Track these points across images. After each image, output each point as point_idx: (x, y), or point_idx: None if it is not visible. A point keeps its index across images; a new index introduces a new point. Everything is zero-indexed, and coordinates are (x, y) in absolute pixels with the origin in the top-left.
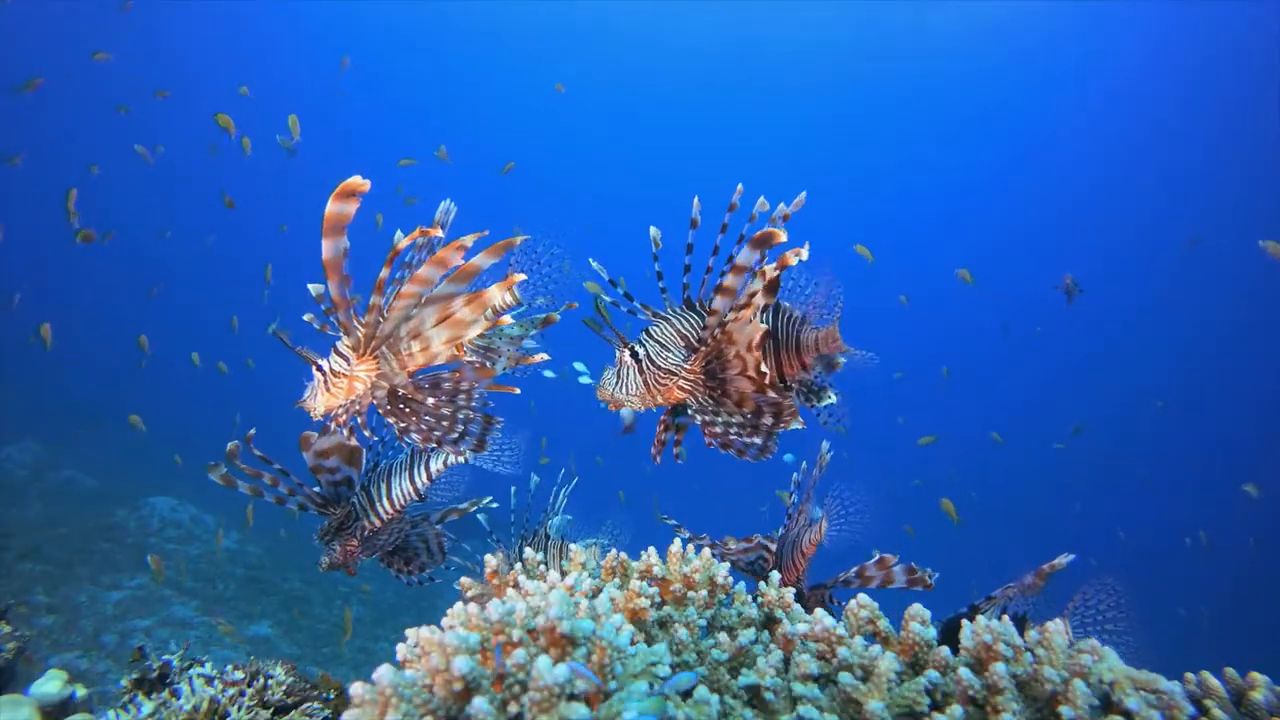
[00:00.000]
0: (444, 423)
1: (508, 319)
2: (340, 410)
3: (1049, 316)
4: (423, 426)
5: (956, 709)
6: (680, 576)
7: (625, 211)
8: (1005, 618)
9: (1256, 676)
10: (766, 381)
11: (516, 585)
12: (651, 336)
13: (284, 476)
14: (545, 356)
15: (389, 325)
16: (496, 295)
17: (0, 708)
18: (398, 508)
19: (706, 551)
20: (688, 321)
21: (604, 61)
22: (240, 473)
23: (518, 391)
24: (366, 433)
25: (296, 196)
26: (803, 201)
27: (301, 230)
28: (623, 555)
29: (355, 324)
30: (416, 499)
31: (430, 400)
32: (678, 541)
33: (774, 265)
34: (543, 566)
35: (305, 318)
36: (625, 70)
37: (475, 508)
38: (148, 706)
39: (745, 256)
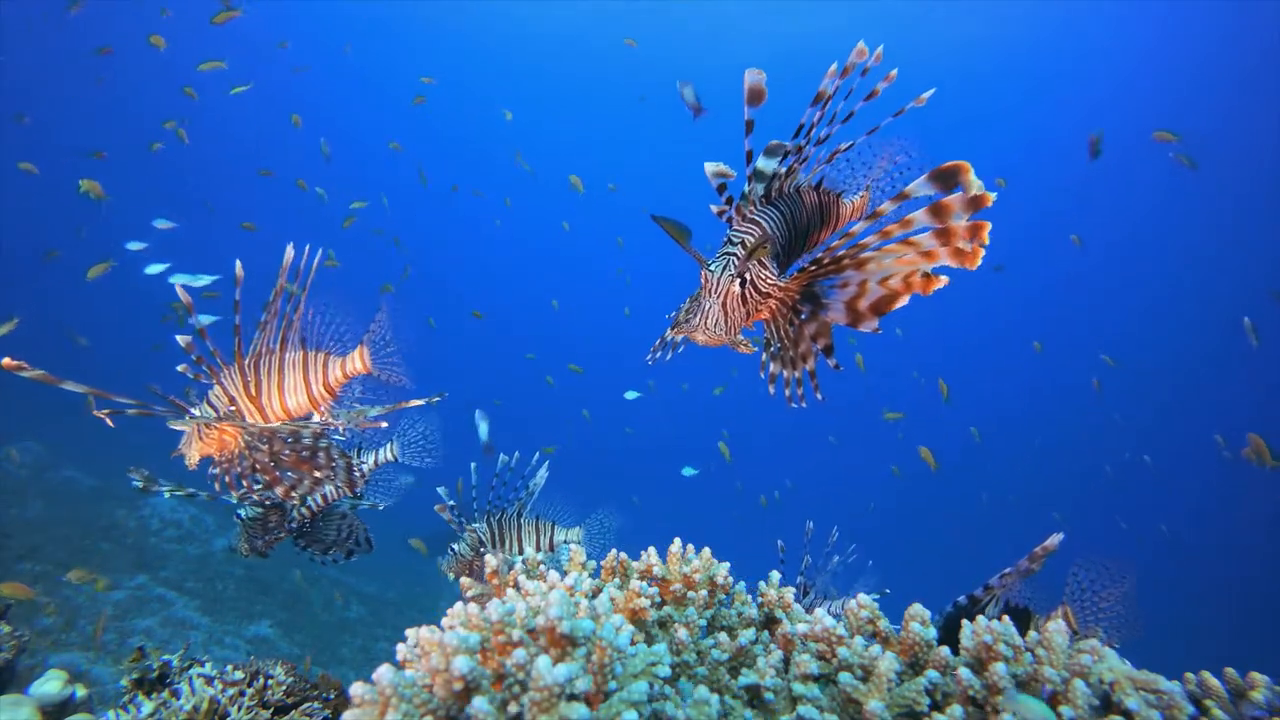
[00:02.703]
0: (305, 481)
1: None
2: (221, 469)
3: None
4: (284, 482)
5: (956, 709)
6: (680, 576)
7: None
8: (1005, 618)
9: (1256, 676)
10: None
11: (516, 585)
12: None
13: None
14: (382, 424)
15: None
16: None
17: (0, 708)
18: (329, 500)
19: (706, 551)
20: (772, 220)
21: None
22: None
23: (385, 425)
24: (234, 494)
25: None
26: (881, 56)
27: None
28: (623, 555)
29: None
30: (350, 495)
31: (291, 456)
32: (678, 541)
33: (960, 199)
34: (543, 567)
35: (179, 368)
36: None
37: (373, 506)
38: (148, 706)
39: (918, 187)
